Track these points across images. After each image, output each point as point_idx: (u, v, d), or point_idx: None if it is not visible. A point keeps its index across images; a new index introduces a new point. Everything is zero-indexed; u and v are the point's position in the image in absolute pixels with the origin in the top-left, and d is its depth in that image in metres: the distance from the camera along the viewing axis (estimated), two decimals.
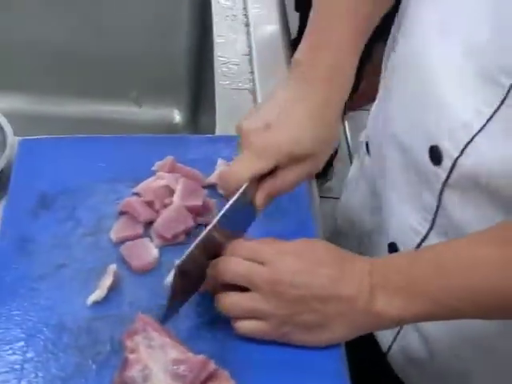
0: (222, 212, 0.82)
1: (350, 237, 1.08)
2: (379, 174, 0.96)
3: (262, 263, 0.79)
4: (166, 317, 0.80)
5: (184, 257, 0.78)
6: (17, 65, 1.37)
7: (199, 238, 0.80)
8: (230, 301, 0.80)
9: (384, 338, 0.99)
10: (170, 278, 0.82)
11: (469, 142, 0.78)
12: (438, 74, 0.81)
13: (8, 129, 1.02)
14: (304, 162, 0.86)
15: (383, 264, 0.80)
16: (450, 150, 0.80)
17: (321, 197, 1.05)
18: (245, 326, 0.80)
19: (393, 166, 0.91)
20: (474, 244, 0.76)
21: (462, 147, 0.79)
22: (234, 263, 0.80)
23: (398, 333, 0.96)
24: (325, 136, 0.87)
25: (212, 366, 0.74)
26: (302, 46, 0.90)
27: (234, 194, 0.83)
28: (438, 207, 0.85)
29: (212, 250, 0.82)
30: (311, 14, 0.91)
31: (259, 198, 0.85)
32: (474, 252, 0.76)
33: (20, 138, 1.03)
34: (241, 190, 0.83)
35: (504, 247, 0.74)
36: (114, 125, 1.38)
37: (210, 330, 0.82)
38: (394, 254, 0.90)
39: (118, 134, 1.07)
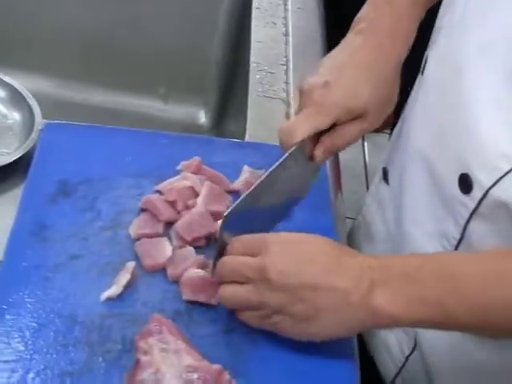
0: (279, 162, 0.82)
1: None
2: (398, 200, 0.93)
3: (255, 255, 0.78)
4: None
5: (232, 207, 0.79)
6: (49, 48, 1.36)
7: (253, 186, 0.81)
8: (225, 292, 0.80)
9: (388, 369, 0.96)
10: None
11: (507, 173, 0.75)
12: (476, 97, 0.77)
13: (37, 111, 1.00)
14: (361, 118, 0.87)
15: (388, 262, 0.78)
16: (482, 180, 0.76)
17: None
18: (241, 316, 0.80)
19: (414, 192, 0.88)
20: (500, 257, 0.73)
21: (497, 178, 0.75)
22: (230, 261, 0.80)
23: (403, 365, 0.94)
24: (381, 90, 0.88)
25: (227, 376, 0.72)
26: (364, 7, 0.92)
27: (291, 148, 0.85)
28: (461, 238, 0.82)
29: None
30: None
31: (318, 151, 0.87)
32: (497, 266, 0.73)
33: (46, 121, 1.01)
34: (295, 147, 0.84)
35: None
36: (137, 118, 1.36)
37: (225, 339, 0.80)
38: (400, 255, 0.87)
39: (141, 127, 1.06)
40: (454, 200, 0.80)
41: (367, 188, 2.25)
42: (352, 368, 0.82)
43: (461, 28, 0.81)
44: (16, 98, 1.04)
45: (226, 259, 0.81)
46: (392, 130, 1.84)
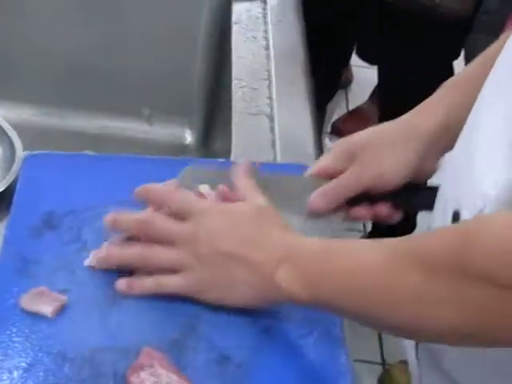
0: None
1: None
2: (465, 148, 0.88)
3: (185, 218, 0.80)
4: None
5: None
6: (28, 74, 1.34)
7: None
8: (149, 252, 0.81)
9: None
10: None
11: None
12: None
13: (18, 143, 0.98)
14: None
15: (301, 240, 0.79)
16: None
17: None
18: (164, 280, 0.81)
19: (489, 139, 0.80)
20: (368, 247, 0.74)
21: None
22: (155, 221, 0.82)
23: None
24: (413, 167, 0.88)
25: None
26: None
27: None
28: None
29: None
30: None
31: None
32: (361, 255, 0.73)
33: (28, 152, 0.99)
34: None
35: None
36: (122, 142, 1.34)
37: (219, 368, 0.78)
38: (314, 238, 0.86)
39: (127, 151, 1.04)
40: None
41: None
42: None
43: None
44: None
45: (151, 218, 0.83)
46: None
